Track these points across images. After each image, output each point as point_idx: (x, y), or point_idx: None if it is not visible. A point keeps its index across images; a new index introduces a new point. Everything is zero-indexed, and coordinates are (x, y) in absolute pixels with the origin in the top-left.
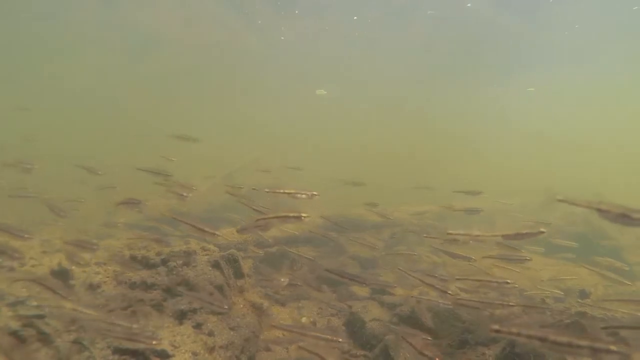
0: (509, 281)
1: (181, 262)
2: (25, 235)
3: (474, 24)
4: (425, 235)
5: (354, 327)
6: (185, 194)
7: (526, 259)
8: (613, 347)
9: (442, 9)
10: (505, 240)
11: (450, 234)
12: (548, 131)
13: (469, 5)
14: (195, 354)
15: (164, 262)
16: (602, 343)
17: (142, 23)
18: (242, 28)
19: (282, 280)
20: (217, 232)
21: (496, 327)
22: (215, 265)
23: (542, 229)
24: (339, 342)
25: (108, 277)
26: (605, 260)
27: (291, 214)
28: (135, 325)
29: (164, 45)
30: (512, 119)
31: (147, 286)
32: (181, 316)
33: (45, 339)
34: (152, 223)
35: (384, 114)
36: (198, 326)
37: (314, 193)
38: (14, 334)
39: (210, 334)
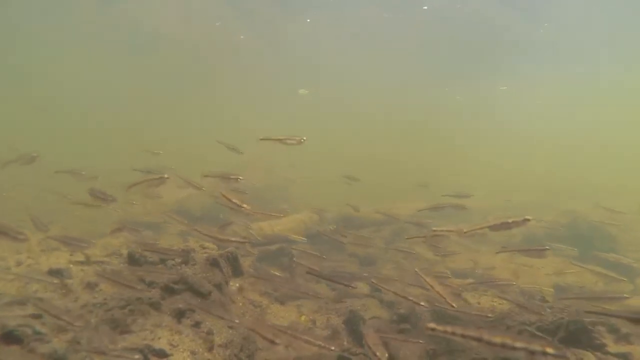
0: (422, 303)
1: (180, 260)
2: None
3: (463, 24)
4: (407, 237)
5: (354, 325)
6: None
7: (545, 249)
8: (550, 350)
9: (397, 11)
10: (492, 232)
11: (435, 230)
12: (540, 131)
13: (425, 7)
14: (193, 352)
15: (163, 260)
16: (538, 345)
17: (141, 22)
18: (241, 27)
19: (232, 284)
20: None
21: (432, 325)
22: (214, 263)
23: (527, 217)
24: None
25: None
26: (610, 256)
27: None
28: None
29: (164, 44)
30: (498, 118)
31: (145, 285)
32: (180, 315)
33: (41, 338)
34: (158, 220)
35: (378, 114)
36: (197, 325)
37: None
38: (9, 333)
39: (209, 332)
